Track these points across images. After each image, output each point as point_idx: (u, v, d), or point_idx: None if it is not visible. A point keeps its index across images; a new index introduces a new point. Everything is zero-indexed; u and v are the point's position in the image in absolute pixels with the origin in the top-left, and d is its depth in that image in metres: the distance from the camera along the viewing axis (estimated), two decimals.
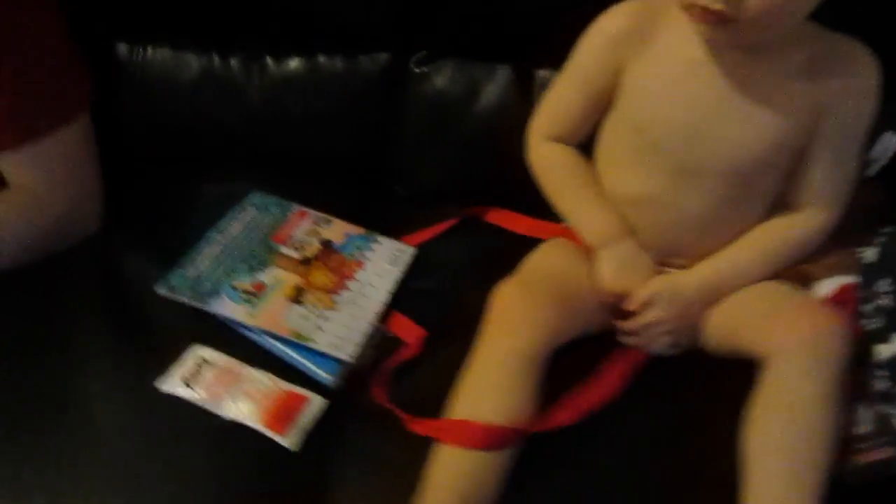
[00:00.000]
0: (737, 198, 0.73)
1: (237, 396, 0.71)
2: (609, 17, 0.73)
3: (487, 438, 0.63)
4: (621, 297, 0.74)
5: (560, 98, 0.79)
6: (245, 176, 0.93)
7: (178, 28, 0.91)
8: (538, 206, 0.89)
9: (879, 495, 0.68)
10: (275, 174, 0.94)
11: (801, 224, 0.74)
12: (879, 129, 0.81)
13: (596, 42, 0.74)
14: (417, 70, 0.91)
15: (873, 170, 0.83)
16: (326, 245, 0.87)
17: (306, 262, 0.84)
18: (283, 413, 0.71)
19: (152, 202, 0.91)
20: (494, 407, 0.65)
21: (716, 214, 0.74)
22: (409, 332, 0.79)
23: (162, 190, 0.92)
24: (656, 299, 0.73)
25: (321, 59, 0.91)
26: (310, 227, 0.88)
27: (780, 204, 0.76)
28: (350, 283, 0.83)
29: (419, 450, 0.69)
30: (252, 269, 0.82)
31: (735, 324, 0.72)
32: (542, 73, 0.90)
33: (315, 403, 0.72)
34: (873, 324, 0.70)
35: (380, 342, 0.78)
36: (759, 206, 0.75)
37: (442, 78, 0.91)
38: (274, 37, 0.92)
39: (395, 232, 0.90)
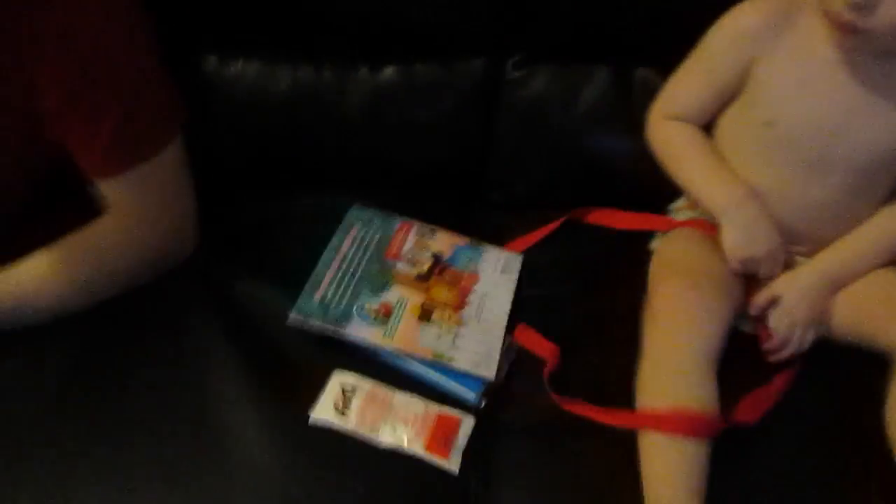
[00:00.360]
0: (859, 190, 0.76)
1: (393, 423, 0.70)
2: (744, 10, 0.74)
3: (706, 426, 0.66)
4: (749, 266, 0.75)
5: (684, 84, 0.80)
6: (340, 190, 0.91)
7: (269, 41, 0.89)
8: (637, 206, 0.91)
9: None
10: (370, 186, 0.92)
11: None
12: None
13: (727, 35, 0.75)
14: (515, 74, 0.90)
15: None
16: (438, 259, 0.86)
17: (424, 277, 0.83)
18: (442, 436, 0.70)
19: (251, 222, 0.89)
20: (694, 397, 0.67)
21: (838, 206, 0.76)
22: (540, 345, 0.79)
23: (259, 209, 0.90)
24: (786, 298, 0.75)
25: (417, 66, 0.89)
26: (417, 240, 0.87)
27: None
28: (470, 297, 0.82)
29: (577, 460, 0.70)
30: (375, 290, 0.80)
31: (860, 314, 0.75)
32: (641, 72, 0.89)
33: (467, 423, 0.72)
34: None
35: (513, 357, 0.78)
36: (878, 197, 0.78)
37: (539, 81, 0.90)
38: (367, 46, 0.89)
39: (497, 240, 0.90)
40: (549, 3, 0.86)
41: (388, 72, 0.90)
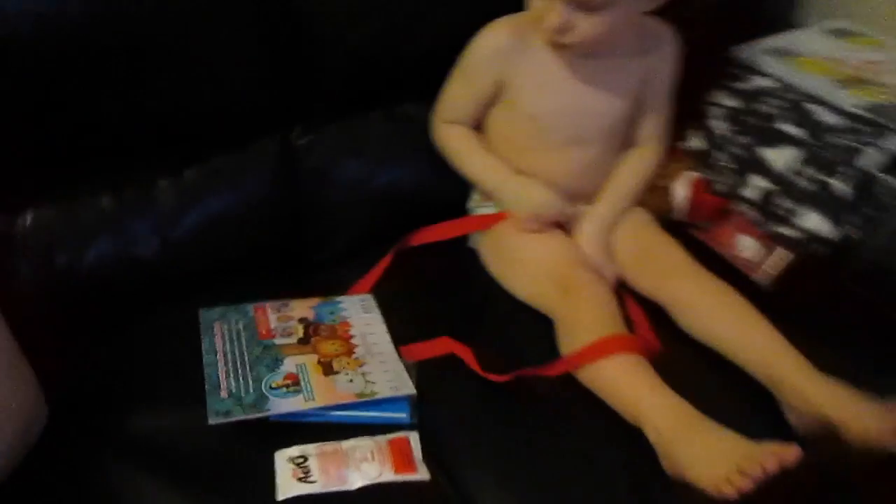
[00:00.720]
0: (607, 149, 0.99)
1: (356, 466, 0.73)
2: (491, 32, 0.93)
3: (633, 343, 0.82)
4: (540, 220, 0.94)
5: (451, 96, 0.98)
6: (182, 300, 0.90)
7: (58, 184, 0.85)
8: (448, 216, 1.04)
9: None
10: (208, 288, 0.93)
11: (651, 153, 1.02)
12: None
13: (480, 53, 0.94)
14: (303, 141, 0.98)
15: None
16: (306, 321, 0.90)
17: (304, 341, 0.87)
18: (402, 457, 0.75)
19: (109, 360, 0.85)
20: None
21: (597, 164, 0.99)
22: (435, 347, 0.87)
23: (110, 343, 0.86)
24: (591, 237, 0.95)
25: (214, 161, 0.93)
26: (278, 316, 0.90)
27: (630, 144, 1.02)
28: (354, 340, 0.88)
29: (518, 428, 0.80)
30: (271, 367, 0.82)
31: (642, 267, 0.96)
32: (405, 107, 1.03)
33: (414, 438, 0.78)
34: (726, 184, 0.98)
35: (415, 373, 0.85)
36: (621, 148, 1.01)
37: (327, 140, 0.99)
38: (160, 159, 0.91)
39: (340, 292, 0.96)
40: (317, 72, 0.96)
41: (190, 174, 0.92)
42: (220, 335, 0.86)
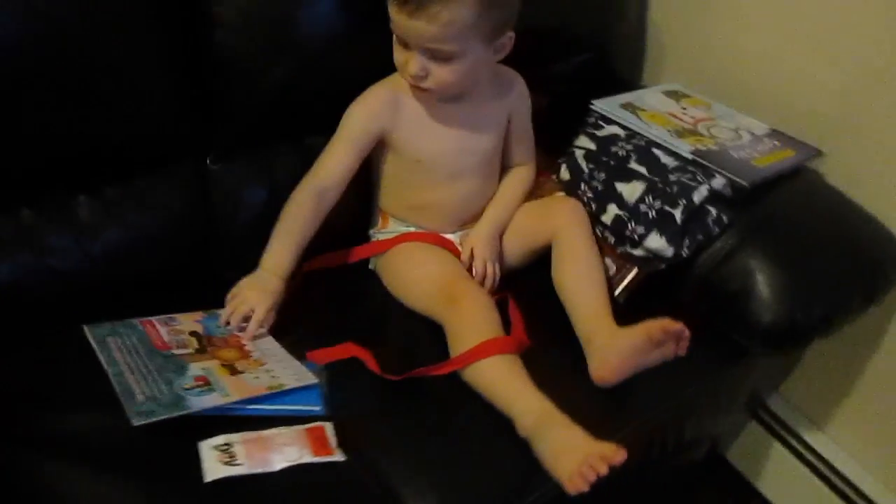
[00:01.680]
0: (486, 176, 1.15)
1: (279, 450, 0.82)
2: (370, 96, 1.06)
3: (509, 343, 0.95)
4: None
5: (332, 156, 1.05)
6: (101, 314, 0.95)
7: None
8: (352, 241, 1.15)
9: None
10: (123, 301, 0.98)
11: (524, 173, 1.20)
12: None
13: (360, 118, 1.05)
14: (216, 167, 1.07)
15: None
16: (198, 334, 0.96)
17: (202, 350, 0.93)
18: (319, 442, 0.84)
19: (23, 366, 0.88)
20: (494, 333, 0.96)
21: (477, 191, 1.14)
22: (339, 351, 0.98)
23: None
24: (476, 251, 1.09)
25: (136, 181, 0.99)
26: (168, 329, 0.96)
27: (508, 165, 1.19)
28: (247, 347, 0.96)
29: (418, 413, 0.92)
30: (179, 373, 0.87)
31: (523, 234, 1.14)
32: (309, 139, 1.13)
33: (328, 426, 0.87)
34: (589, 209, 1.16)
35: (323, 375, 0.95)
36: (497, 174, 1.18)
37: (238, 167, 1.08)
38: (78, 175, 0.96)
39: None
40: (232, 104, 1.05)
41: (110, 192, 0.98)
42: (117, 349, 0.89)
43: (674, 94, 1.33)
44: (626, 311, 1.10)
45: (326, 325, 1.04)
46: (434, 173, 1.10)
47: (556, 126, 1.27)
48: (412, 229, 1.13)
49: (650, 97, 1.30)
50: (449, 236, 1.14)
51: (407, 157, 1.08)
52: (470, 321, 0.97)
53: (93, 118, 0.94)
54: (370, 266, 1.15)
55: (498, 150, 1.15)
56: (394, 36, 0.99)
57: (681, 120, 1.23)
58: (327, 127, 1.11)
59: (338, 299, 1.09)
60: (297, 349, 0.99)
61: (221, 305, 1.02)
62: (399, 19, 0.94)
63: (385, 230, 1.15)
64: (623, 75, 1.42)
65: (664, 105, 1.28)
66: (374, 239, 1.16)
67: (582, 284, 1.06)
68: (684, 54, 1.41)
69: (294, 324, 1.02)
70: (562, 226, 1.10)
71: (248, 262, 1.10)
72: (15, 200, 0.93)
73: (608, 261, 1.16)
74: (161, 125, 1.00)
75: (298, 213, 1.03)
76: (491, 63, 1.04)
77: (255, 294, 0.98)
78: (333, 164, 1.05)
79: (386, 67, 1.04)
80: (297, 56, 1.05)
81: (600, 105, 1.24)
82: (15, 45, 0.86)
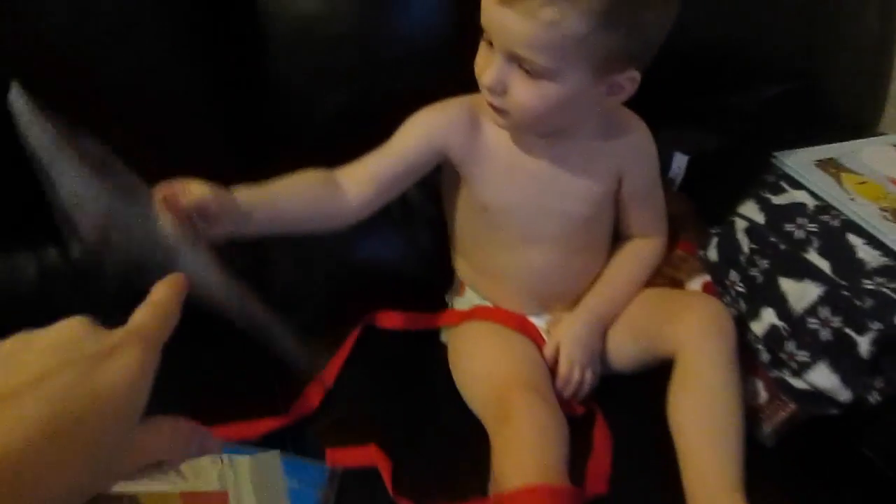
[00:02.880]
0: (576, 249, 0.86)
1: None
2: (440, 108, 0.81)
3: (569, 498, 0.68)
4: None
5: (366, 159, 0.80)
6: None
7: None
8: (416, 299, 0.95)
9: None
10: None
11: (645, 247, 0.89)
12: (669, 152, 0.99)
13: (425, 125, 0.81)
14: None
15: (676, 185, 1.01)
16: None
17: None
18: None
19: None
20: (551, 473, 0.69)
21: (562, 266, 0.86)
22: (359, 456, 0.79)
23: None
24: (562, 349, 0.83)
25: None
26: None
27: (625, 235, 0.90)
28: None
29: None
30: None
31: (637, 337, 0.85)
32: None
33: None
34: (735, 309, 0.84)
35: (338, 482, 0.77)
36: (600, 247, 0.89)
37: None
38: None
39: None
40: (290, 132, 0.90)
41: None
42: None
43: None
44: (772, 459, 0.78)
45: (366, 408, 0.86)
46: (503, 230, 0.84)
47: (719, 181, 0.95)
48: (488, 304, 0.90)
49: (870, 153, 0.91)
50: (533, 319, 0.89)
51: (472, 199, 0.84)
52: (517, 451, 0.72)
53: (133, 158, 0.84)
54: (441, 337, 0.94)
55: (598, 218, 0.86)
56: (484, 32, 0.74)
57: None
58: None
59: (389, 374, 0.90)
60: (330, 423, 0.83)
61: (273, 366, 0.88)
62: (488, 5, 0.69)
63: (461, 298, 0.93)
64: (841, 116, 1.02)
65: (888, 166, 0.89)
66: (448, 305, 0.95)
67: (706, 432, 0.75)
68: None
69: (337, 394, 0.85)
70: (691, 339, 0.78)
71: (303, 313, 0.96)
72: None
73: (758, 384, 0.82)
74: (206, 160, 0.88)
75: (296, 176, 0.76)
76: (598, 103, 0.76)
77: None
78: (361, 171, 0.79)
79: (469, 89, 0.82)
80: (360, 79, 0.88)
81: (786, 159, 0.89)
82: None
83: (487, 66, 0.72)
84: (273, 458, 0.76)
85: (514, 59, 0.70)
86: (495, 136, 0.81)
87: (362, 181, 0.79)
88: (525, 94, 0.71)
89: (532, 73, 0.70)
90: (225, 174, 0.90)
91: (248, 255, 0.93)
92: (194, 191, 0.62)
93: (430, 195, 0.94)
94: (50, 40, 0.79)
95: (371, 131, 0.91)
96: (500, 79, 0.71)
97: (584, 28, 0.66)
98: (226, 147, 0.89)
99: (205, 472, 0.72)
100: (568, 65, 0.69)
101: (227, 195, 0.67)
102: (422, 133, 0.80)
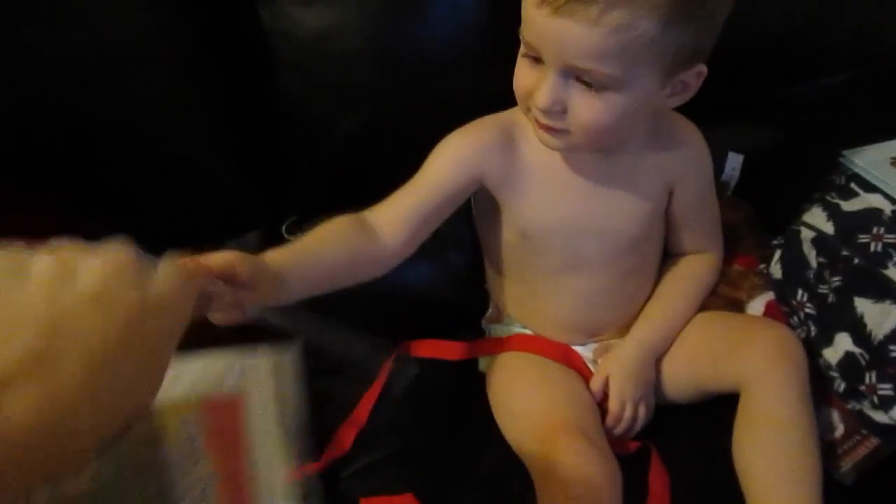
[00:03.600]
0: (626, 271, 0.78)
1: None
2: (474, 128, 0.74)
3: None
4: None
5: (398, 195, 0.73)
6: None
7: None
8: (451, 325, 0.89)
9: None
10: None
11: (700, 264, 0.81)
12: (722, 152, 0.90)
13: (457, 148, 0.73)
14: (292, 237, 0.87)
15: (730, 188, 0.92)
16: None
17: None
18: None
19: None
20: None
21: (610, 291, 0.78)
22: None
23: None
24: (612, 385, 0.76)
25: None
26: None
27: (676, 253, 0.82)
28: None
29: None
30: None
31: (695, 367, 0.76)
32: None
33: None
34: (804, 332, 0.75)
35: None
36: (650, 269, 0.81)
37: None
38: None
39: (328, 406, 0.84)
40: (304, 157, 0.85)
41: None
42: None
43: None
44: (852, 499, 0.70)
45: (405, 442, 0.80)
46: (544, 256, 0.76)
47: (780, 182, 0.85)
48: (529, 332, 0.83)
49: None
50: (578, 349, 0.81)
51: (511, 225, 0.76)
52: (561, 498, 0.66)
53: (137, 190, 0.80)
54: (480, 366, 0.87)
55: (648, 237, 0.77)
56: (520, 52, 0.67)
57: None
58: None
59: (427, 406, 0.84)
60: (363, 468, 0.78)
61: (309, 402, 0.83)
62: (537, 17, 0.61)
63: (499, 325, 0.86)
64: None
65: None
66: (486, 332, 0.88)
67: (778, 476, 0.67)
68: None
69: (374, 428, 0.80)
70: (757, 371, 0.70)
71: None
72: None
73: (834, 416, 0.74)
74: (219, 190, 0.83)
75: (326, 227, 0.70)
76: (661, 106, 0.68)
77: None
78: (394, 210, 0.72)
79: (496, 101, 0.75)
80: (377, 96, 0.81)
81: (856, 158, 0.79)
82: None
83: (539, 86, 0.64)
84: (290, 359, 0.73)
85: (572, 74, 0.62)
86: (534, 157, 0.74)
87: (397, 221, 0.72)
88: (590, 110, 0.63)
89: (595, 85, 0.62)
90: (244, 206, 0.86)
91: None
92: (220, 256, 0.56)
93: (460, 215, 0.87)
94: (55, 74, 0.75)
95: (393, 149, 0.86)
96: (557, 98, 0.63)
97: (654, 27, 0.59)
98: (239, 178, 0.84)
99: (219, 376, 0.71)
100: (638, 71, 0.62)
101: (257, 258, 0.60)
102: (455, 161, 0.73)
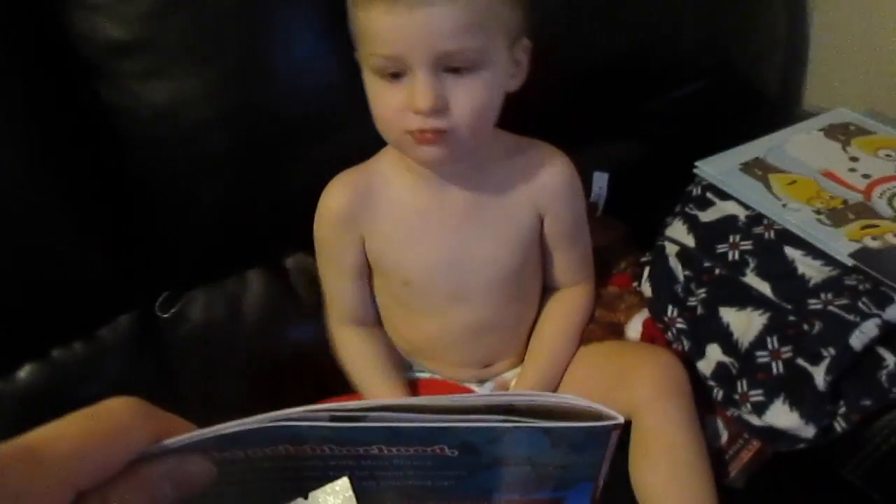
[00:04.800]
0: (508, 300, 0.78)
1: None
2: (328, 196, 0.74)
3: None
4: None
5: (329, 286, 0.79)
6: None
7: None
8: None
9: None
10: None
11: (575, 298, 0.81)
12: (588, 173, 0.91)
13: (325, 224, 0.75)
14: (166, 315, 0.84)
15: (600, 208, 0.93)
16: None
17: None
18: None
19: None
20: None
21: (499, 319, 0.78)
22: None
23: None
24: None
25: (55, 356, 0.80)
26: None
27: (550, 287, 0.82)
28: None
29: None
30: None
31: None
32: (292, 260, 0.87)
33: None
34: (679, 346, 0.77)
35: None
36: (533, 295, 0.81)
37: (196, 308, 0.85)
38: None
39: None
40: (166, 232, 0.82)
41: (23, 374, 0.79)
42: None
43: (841, 132, 0.85)
44: (746, 499, 0.72)
45: None
46: (430, 296, 0.76)
47: (647, 198, 0.87)
48: (421, 376, 0.82)
49: (797, 143, 0.84)
50: (476, 388, 0.81)
51: (393, 277, 0.76)
52: None
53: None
54: None
55: (527, 262, 0.78)
56: (366, 76, 0.66)
57: (843, 185, 0.78)
58: (307, 238, 0.84)
59: None
60: None
61: None
62: (391, 22, 0.61)
63: (421, 368, 0.84)
64: (763, 103, 0.95)
65: (819, 157, 0.82)
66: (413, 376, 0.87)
67: (674, 496, 0.69)
68: (861, 60, 0.91)
69: None
70: (647, 401, 0.71)
71: (221, 418, 0.88)
72: None
73: (718, 423, 0.76)
74: (84, 275, 0.79)
75: (360, 353, 0.79)
76: (507, 89, 0.68)
77: None
78: (341, 298, 0.80)
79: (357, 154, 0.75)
80: (234, 164, 0.79)
81: (707, 167, 0.82)
82: None
83: (413, 94, 0.63)
84: None
85: (441, 65, 0.62)
86: (398, 201, 0.73)
87: (360, 310, 0.79)
88: (470, 94, 0.64)
89: (465, 69, 0.63)
90: (113, 289, 0.83)
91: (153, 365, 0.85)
92: None
93: None
94: None
95: (261, 210, 0.84)
96: (438, 93, 0.63)
97: None
98: (104, 261, 0.80)
99: None
100: (494, 43, 0.64)
101: None
102: (335, 242, 0.76)
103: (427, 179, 0.72)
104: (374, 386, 0.77)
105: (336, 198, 0.74)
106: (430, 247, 0.74)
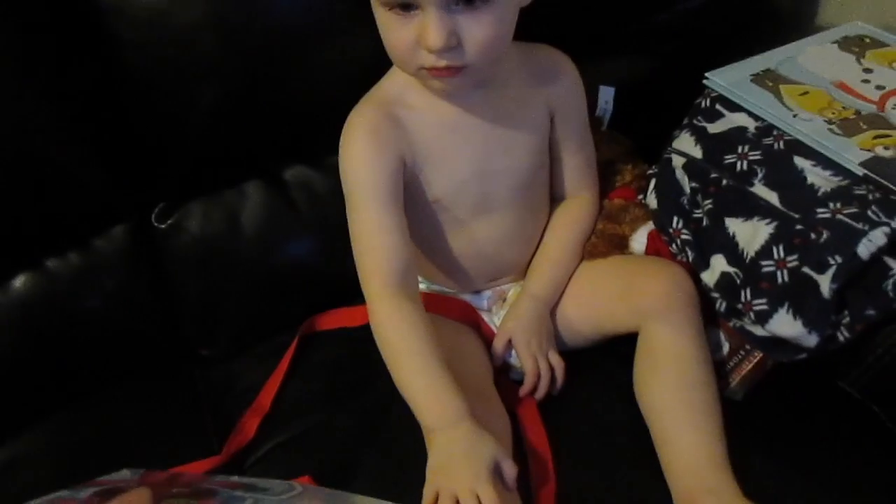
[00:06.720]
0: (527, 208, 0.78)
1: None
2: (360, 129, 0.70)
3: None
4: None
5: (372, 236, 0.69)
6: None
7: None
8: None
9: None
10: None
11: (578, 208, 0.80)
12: (594, 87, 0.89)
13: (367, 156, 0.69)
14: (164, 225, 0.83)
15: (606, 123, 0.92)
16: None
17: None
18: None
19: None
20: None
21: (516, 229, 0.78)
22: None
23: None
24: (517, 341, 0.75)
25: (49, 265, 0.79)
26: None
27: (555, 197, 0.81)
28: None
29: None
30: None
31: (592, 312, 0.77)
32: (291, 171, 0.85)
33: None
34: (683, 258, 0.76)
35: None
36: (544, 205, 0.81)
37: (193, 222, 0.83)
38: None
39: (230, 393, 0.82)
40: (164, 140, 0.80)
41: (18, 284, 0.78)
42: None
43: (855, 44, 0.83)
44: (744, 413, 0.72)
45: (310, 421, 0.78)
46: (456, 210, 0.75)
47: (653, 112, 0.85)
48: (424, 287, 0.81)
49: (809, 55, 0.82)
50: (470, 298, 0.81)
51: (424, 196, 0.73)
52: None
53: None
54: None
55: (543, 166, 0.77)
56: (375, 8, 0.64)
57: (856, 96, 0.76)
58: (307, 151, 0.83)
59: (335, 380, 0.82)
60: (265, 454, 0.76)
61: (203, 393, 0.82)
62: None
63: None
64: (776, 16, 0.92)
65: (832, 68, 0.80)
66: None
67: (684, 411, 0.69)
68: None
69: (279, 411, 0.79)
70: (655, 310, 0.71)
71: (225, 336, 0.88)
72: None
73: (720, 335, 0.76)
74: (79, 185, 0.78)
75: (408, 333, 0.67)
76: (521, 3, 0.66)
77: (468, 466, 0.59)
78: (383, 248, 0.69)
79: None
80: (226, 71, 0.77)
81: (717, 78, 0.80)
82: None
83: (424, 31, 0.61)
84: None
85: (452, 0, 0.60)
86: (423, 122, 0.71)
87: (401, 255, 0.69)
88: (484, 27, 0.62)
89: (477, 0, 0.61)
90: (108, 199, 0.81)
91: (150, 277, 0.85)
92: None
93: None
94: None
95: (253, 120, 0.82)
96: (450, 30, 0.61)
97: None
98: (99, 170, 0.79)
99: None
100: None
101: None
102: (382, 170, 0.69)
103: (450, 96, 0.70)
104: (425, 381, 0.66)
105: (372, 129, 0.69)
106: (461, 160, 0.73)
